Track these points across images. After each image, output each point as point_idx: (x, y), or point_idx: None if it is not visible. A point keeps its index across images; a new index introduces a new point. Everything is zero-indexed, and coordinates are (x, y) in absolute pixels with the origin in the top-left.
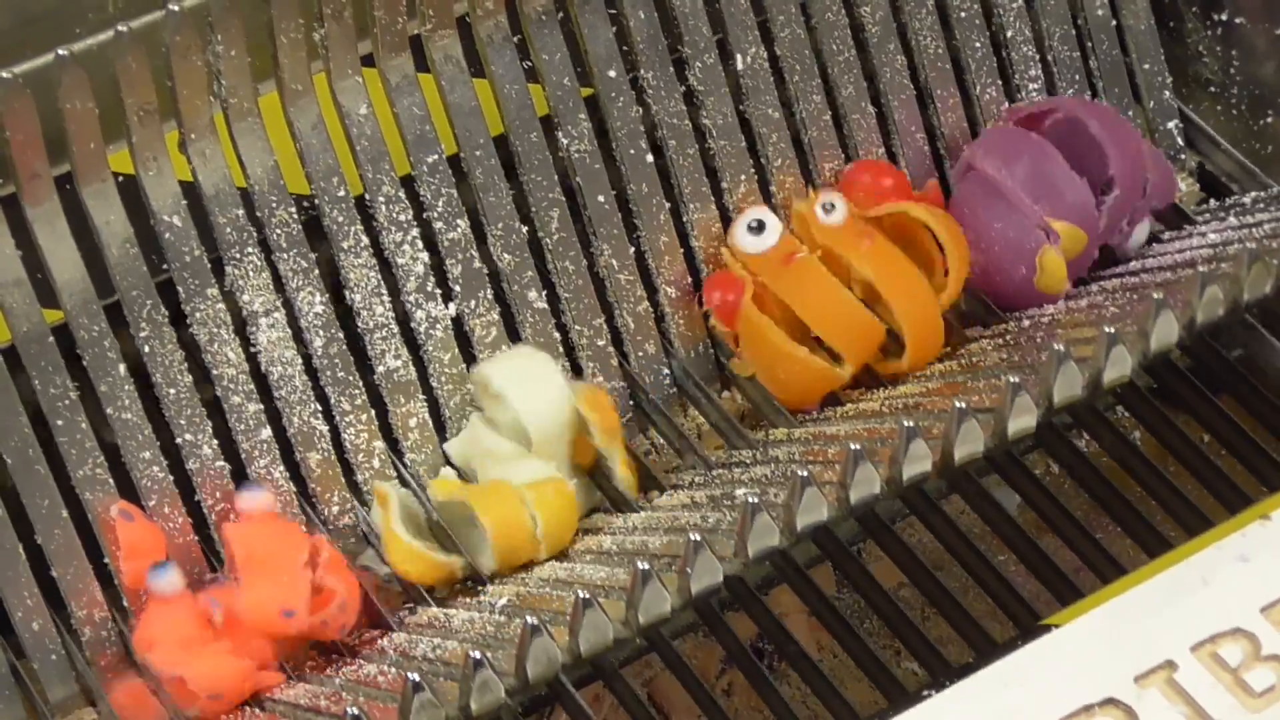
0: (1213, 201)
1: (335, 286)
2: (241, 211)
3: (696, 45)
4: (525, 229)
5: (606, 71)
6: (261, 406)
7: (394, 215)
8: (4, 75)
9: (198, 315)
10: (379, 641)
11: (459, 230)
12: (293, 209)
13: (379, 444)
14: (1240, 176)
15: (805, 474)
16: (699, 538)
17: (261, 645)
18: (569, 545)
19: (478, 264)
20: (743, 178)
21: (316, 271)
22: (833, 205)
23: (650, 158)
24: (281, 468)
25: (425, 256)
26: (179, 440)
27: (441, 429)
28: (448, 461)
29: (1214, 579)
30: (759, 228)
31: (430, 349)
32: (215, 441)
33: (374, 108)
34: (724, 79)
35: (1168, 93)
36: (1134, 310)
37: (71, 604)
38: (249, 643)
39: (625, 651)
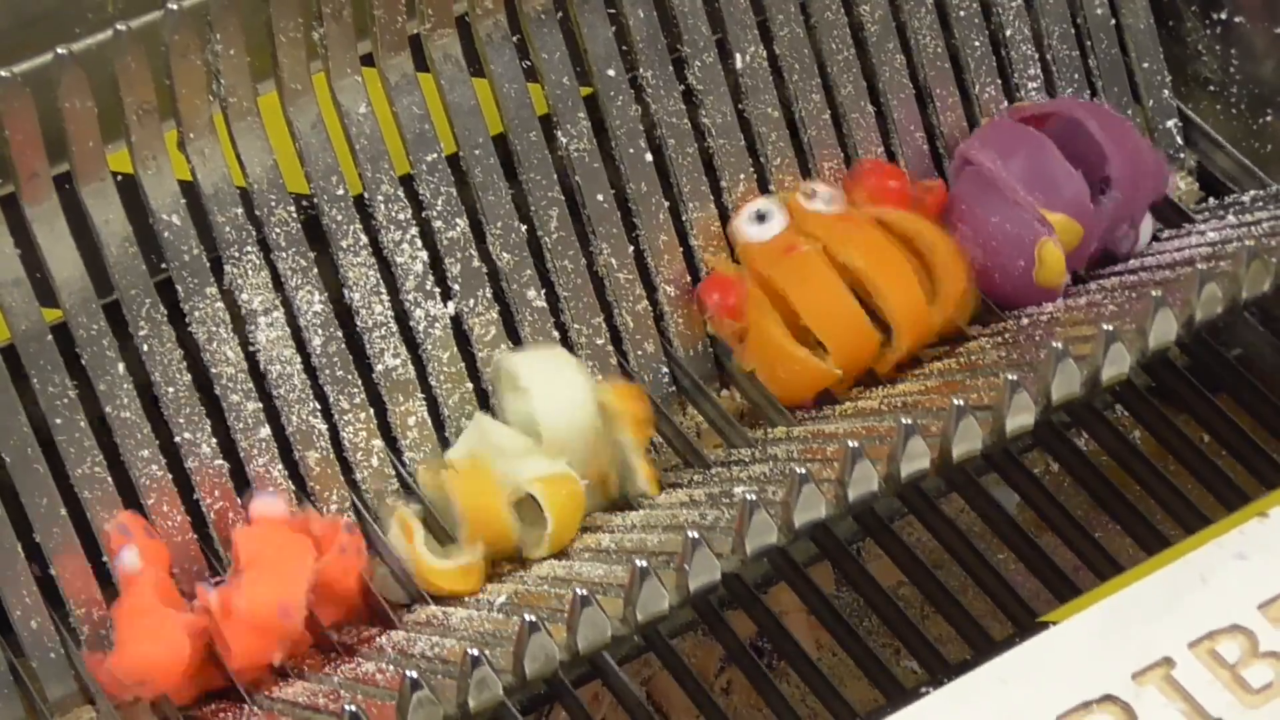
0: (1212, 200)
1: (334, 285)
2: (240, 211)
3: (696, 44)
4: (524, 228)
5: (606, 70)
6: (260, 405)
7: (393, 214)
8: (3, 74)
9: (197, 314)
10: (377, 639)
11: (458, 229)
12: (292, 208)
13: (378, 443)
14: (1239, 175)
15: (803, 472)
16: (697, 535)
17: (256, 643)
18: (569, 543)
19: (477, 263)
20: (742, 177)
21: (315, 270)
22: (813, 191)
23: (649, 157)
24: (280, 466)
25: (424, 255)
26: (178, 439)
27: (440, 428)
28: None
29: (1212, 576)
30: (763, 217)
31: (429, 348)
32: (214, 440)
33: (373, 107)
34: (723, 78)
35: (1167, 92)
36: (1133, 308)
37: (70, 602)
38: (242, 638)
39: (624, 650)
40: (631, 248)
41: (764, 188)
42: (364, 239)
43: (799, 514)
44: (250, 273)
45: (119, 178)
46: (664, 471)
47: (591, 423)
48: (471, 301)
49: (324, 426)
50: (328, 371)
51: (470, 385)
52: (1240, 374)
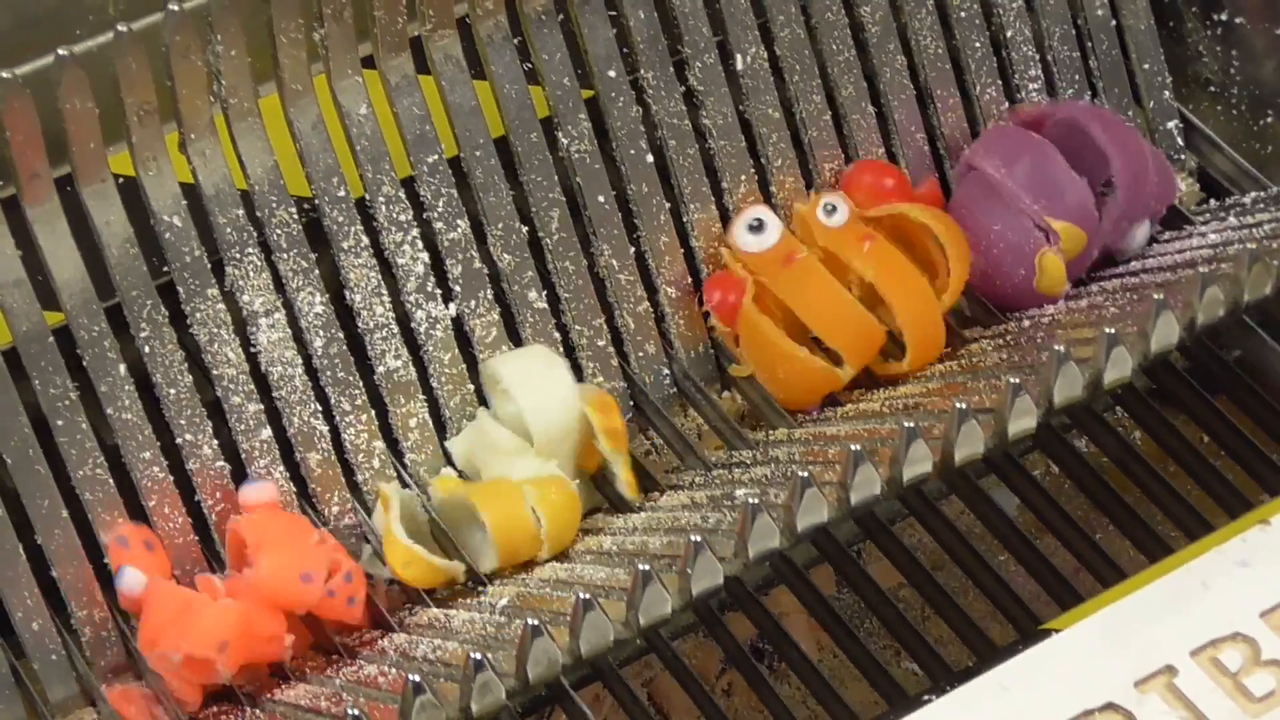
0: (1212, 202)
1: (335, 287)
2: (242, 212)
3: (696, 45)
4: (525, 229)
5: (606, 72)
6: (262, 407)
7: (394, 215)
8: (4, 76)
9: (198, 316)
10: (379, 642)
11: (459, 230)
12: (293, 209)
13: (379, 444)
14: (1240, 177)
15: (805, 475)
16: (699, 539)
17: (274, 620)
18: (570, 545)
19: (478, 264)
20: (743, 178)
21: (316, 272)
22: (834, 207)
23: (650, 158)
24: (281, 468)
25: (425, 257)
26: (179, 440)
27: (442, 429)
28: (448, 461)
29: (1214, 584)
30: (759, 226)
31: (430, 349)
32: (215, 442)
33: (374, 108)
34: (724, 79)
35: (1167, 93)
36: (1134, 311)
37: (71, 604)
38: (261, 617)
39: (625, 652)
40: (632, 249)
41: (765, 189)
42: (365, 240)
43: (801, 517)
44: (251, 274)
45: (120, 179)
46: (664, 473)
47: (579, 415)
48: (473, 303)
49: (325, 428)
50: (329, 373)
51: (471, 387)
52: (1239, 376)
